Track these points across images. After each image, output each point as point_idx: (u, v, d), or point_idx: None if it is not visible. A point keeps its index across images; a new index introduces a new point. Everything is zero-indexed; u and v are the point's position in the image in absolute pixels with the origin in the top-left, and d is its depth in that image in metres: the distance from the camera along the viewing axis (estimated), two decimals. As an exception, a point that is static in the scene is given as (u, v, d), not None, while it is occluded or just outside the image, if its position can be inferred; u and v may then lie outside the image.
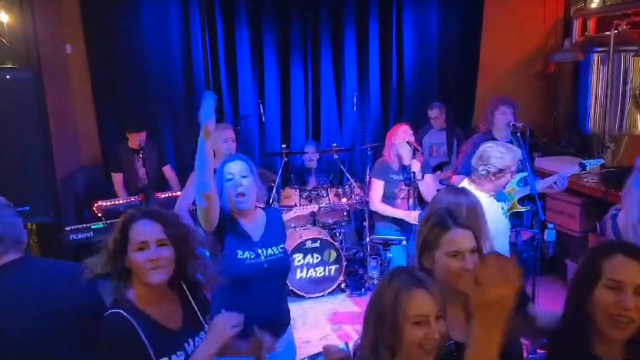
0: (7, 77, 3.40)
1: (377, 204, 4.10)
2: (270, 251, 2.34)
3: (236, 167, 2.33)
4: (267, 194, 2.64)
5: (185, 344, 1.73)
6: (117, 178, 4.81)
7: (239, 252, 2.30)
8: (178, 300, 1.77)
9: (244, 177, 2.31)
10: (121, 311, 1.61)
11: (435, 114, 5.41)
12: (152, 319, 1.66)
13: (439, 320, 1.39)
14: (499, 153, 2.74)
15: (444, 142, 5.39)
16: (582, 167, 3.76)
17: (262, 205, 2.49)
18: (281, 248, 2.39)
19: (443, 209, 1.78)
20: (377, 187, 4.08)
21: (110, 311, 1.63)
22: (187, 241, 1.74)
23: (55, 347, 1.73)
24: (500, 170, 2.73)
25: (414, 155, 3.80)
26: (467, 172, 3.83)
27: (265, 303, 2.31)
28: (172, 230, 1.70)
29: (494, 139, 3.86)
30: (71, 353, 1.76)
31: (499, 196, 3.64)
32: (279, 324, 2.38)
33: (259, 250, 2.32)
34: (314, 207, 4.87)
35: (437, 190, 3.41)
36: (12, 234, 1.75)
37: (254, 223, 2.39)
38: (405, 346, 1.38)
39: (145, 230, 1.67)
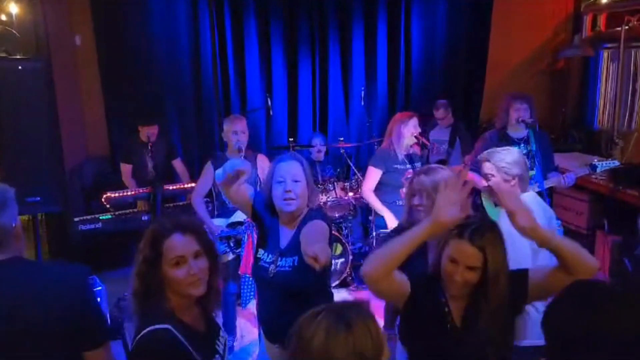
0: (19, 67, 3.40)
1: (366, 191, 3.95)
2: (282, 262, 2.20)
3: (289, 171, 2.18)
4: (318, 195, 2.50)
5: (216, 346, 1.71)
6: (126, 169, 4.83)
7: (260, 251, 2.26)
8: (196, 302, 1.74)
9: (296, 181, 2.17)
10: (169, 327, 1.54)
11: (441, 114, 5.35)
12: (190, 327, 1.63)
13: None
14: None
15: (446, 140, 5.36)
16: (593, 168, 3.70)
17: (312, 207, 2.31)
18: (295, 260, 2.17)
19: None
20: (372, 176, 3.95)
21: (156, 327, 1.53)
22: (214, 247, 1.72)
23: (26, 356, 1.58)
24: None
25: (421, 150, 3.76)
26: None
27: (270, 308, 2.26)
28: (204, 239, 1.66)
29: (507, 135, 3.81)
30: None
31: None
32: (279, 334, 2.16)
33: (277, 257, 2.21)
34: (321, 199, 4.88)
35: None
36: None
37: (292, 227, 2.25)
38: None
39: (180, 245, 1.60)
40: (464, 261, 1.69)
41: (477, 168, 3.81)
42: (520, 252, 2.30)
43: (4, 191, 1.64)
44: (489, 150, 2.63)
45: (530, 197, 2.55)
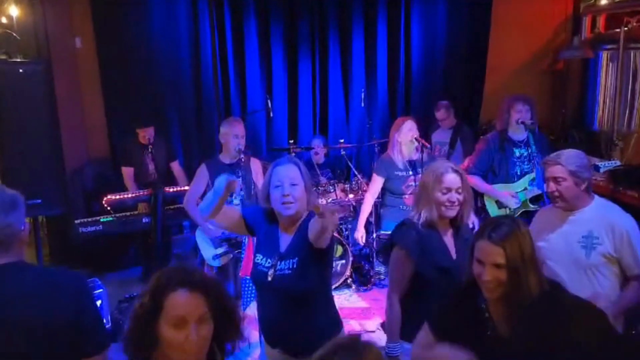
0: (20, 70, 3.41)
1: (366, 197, 4.17)
2: (282, 265, 2.17)
3: (286, 174, 2.16)
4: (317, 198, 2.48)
5: None
6: (127, 172, 4.84)
7: (259, 256, 2.24)
8: None
9: (294, 185, 2.15)
10: None
11: (442, 115, 5.32)
12: None
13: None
14: None
15: (446, 142, 5.35)
16: (596, 169, 3.74)
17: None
18: (294, 263, 2.15)
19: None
20: (374, 183, 4.04)
21: None
22: (227, 308, 1.47)
23: None
24: None
25: (422, 152, 3.76)
26: (481, 171, 3.83)
27: (271, 313, 2.24)
28: (215, 299, 1.42)
29: (508, 137, 3.80)
30: None
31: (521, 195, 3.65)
32: (290, 343, 2.19)
33: (276, 261, 2.18)
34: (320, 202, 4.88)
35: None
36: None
37: (289, 230, 2.23)
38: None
39: (184, 304, 1.36)
40: (488, 259, 1.68)
41: (479, 170, 3.84)
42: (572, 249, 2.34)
43: (15, 195, 1.65)
44: (556, 153, 2.43)
45: (604, 202, 2.42)
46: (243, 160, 3.74)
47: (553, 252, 2.40)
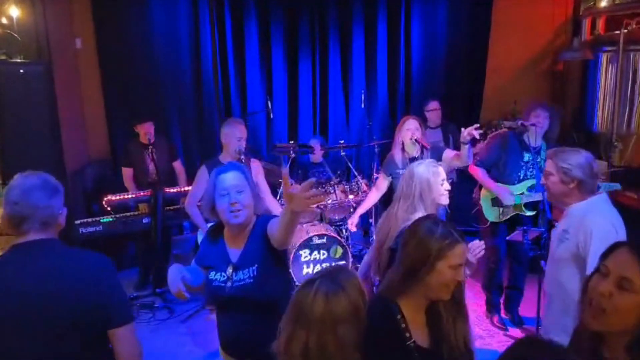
0: (21, 71, 3.43)
1: (371, 192, 4.17)
2: (240, 275, 2.08)
3: (231, 182, 2.09)
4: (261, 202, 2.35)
5: None
6: (127, 172, 4.84)
7: (211, 273, 2.13)
8: None
9: (240, 192, 2.08)
10: None
11: (433, 105, 5.33)
12: None
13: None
14: None
15: (440, 140, 5.36)
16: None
17: (258, 214, 2.22)
18: (254, 270, 2.07)
19: (445, 222, 1.78)
20: (379, 181, 4.07)
21: None
22: None
23: (51, 337, 1.67)
24: None
25: (422, 153, 3.77)
26: (486, 165, 3.81)
27: (238, 330, 2.11)
28: None
29: (523, 140, 3.74)
30: (69, 346, 1.71)
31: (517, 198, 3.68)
32: (261, 353, 2.05)
33: (231, 272, 2.09)
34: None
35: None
36: (39, 216, 1.73)
37: (239, 239, 2.15)
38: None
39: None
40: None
41: (483, 164, 3.84)
42: (553, 242, 2.32)
43: (59, 183, 1.82)
44: (556, 148, 2.46)
45: (598, 203, 2.37)
46: (243, 160, 3.75)
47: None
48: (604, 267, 1.39)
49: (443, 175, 2.58)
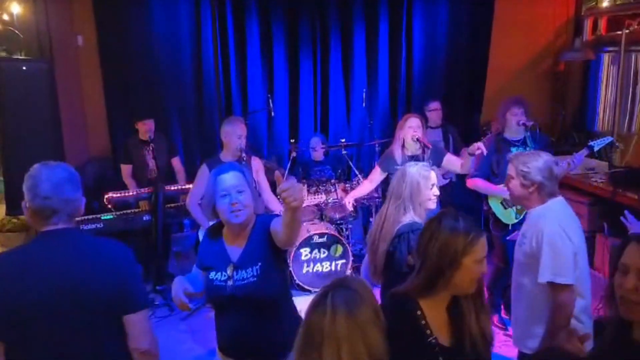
0: (23, 68, 3.43)
1: (364, 183, 4.21)
2: (243, 274, 2.08)
3: (231, 182, 2.10)
4: (260, 199, 2.34)
5: None
6: (125, 169, 4.84)
7: (212, 273, 2.13)
8: None
9: (240, 192, 2.09)
10: None
11: (434, 106, 5.35)
12: None
13: None
14: None
15: (439, 140, 5.37)
16: (590, 148, 3.84)
17: (257, 213, 2.24)
18: (257, 269, 2.08)
19: (461, 215, 1.75)
20: (374, 174, 4.08)
21: None
22: None
23: (79, 321, 1.73)
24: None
25: (423, 152, 3.78)
26: (483, 174, 3.85)
27: (239, 330, 2.11)
28: None
29: (504, 139, 3.88)
30: (88, 334, 1.75)
31: None
32: (263, 353, 2.12)
33: (232, 272, 2.09)
34: (319, 199, 4.90)
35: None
36: (69, 209, 1.78)
37: (240, 239, 2.16)
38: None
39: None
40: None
41: (481, 174, 3.86)
42: (561, 256, 2.24)
43: (71, 170, 1.84)
44: (516, 152, 2.55)
45: (553, 207, 2.40)
46: (244, 158, 3.77)
47: None
48: (622, 266, 1.45)
49: (434, 180, 2.61)
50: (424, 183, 2.56)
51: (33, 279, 1.69)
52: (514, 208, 3.78)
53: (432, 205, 2.60)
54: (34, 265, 1.72)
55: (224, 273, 2.10)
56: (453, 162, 3.89)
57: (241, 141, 3.79)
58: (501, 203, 3.83)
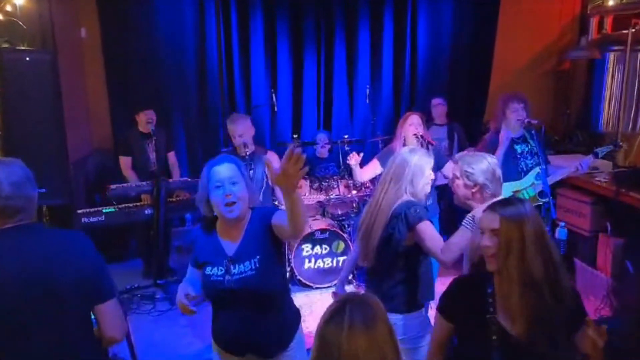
0: (27, 59, 3.41)
1: (360, 172, 4.01)
2: (241, 267, 2.06)
3: (225, 173, 2.06)
4: (259, 193, 2.31)
5: None
6: (125, 161, 4.83)
7: (208, 268, 2.10)
8: None
9: (234, 183, 2.06)
10: None
11: (438, 101, 5.37)
12: None
13: None
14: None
15: (444, 138, 5.36)
16: (595, 155, 3.86)
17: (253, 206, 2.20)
18: (256, 262, 2.06)
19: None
20: (372, 165, 4.00)
21: None
22: None
23: (43, 315, 1.71)
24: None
25: (427, 149, 3.76)
26: None
27: (238, 324, 2.09)
28: None
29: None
30: (58, 325, 1.74)
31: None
32: (263, 348, 2.11)
33: (229, 266, 2.07)
34: (322, 197, 4.89)
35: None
36: (32, 206, 1.79)
37: (234, 232, 2.13)
38: None
39: None
40: (486, 225, 1.78)
41: None
42: None
43: (25, 167, 1.82)
44: (462, 153, 2.60)
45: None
46: (248, 154, 3.78)
47: None
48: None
49: (432, 164, 2.64)
50: (427, 167, 2.59)
51: (2, 274, 1.67)
52: None
53: (429, 188, 2.64)
54: (2, 259, 1.70)
55: (220, 268, 2.08)
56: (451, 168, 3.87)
57: (242, 139, 3.82)
58: None
